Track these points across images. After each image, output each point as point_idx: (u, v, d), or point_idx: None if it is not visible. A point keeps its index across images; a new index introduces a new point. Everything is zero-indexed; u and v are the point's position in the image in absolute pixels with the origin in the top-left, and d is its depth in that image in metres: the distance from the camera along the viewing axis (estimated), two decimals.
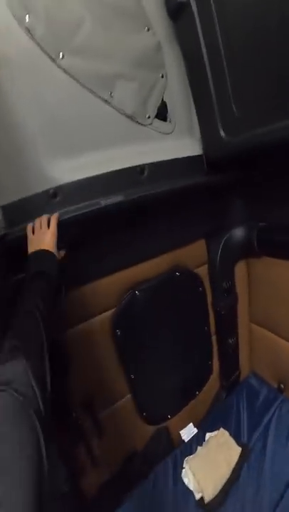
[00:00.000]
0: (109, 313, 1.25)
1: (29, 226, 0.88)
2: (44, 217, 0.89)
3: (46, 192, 0.96)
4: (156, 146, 1.10)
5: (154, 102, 1.09)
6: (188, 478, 1.36)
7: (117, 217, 1.09)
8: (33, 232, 0.88)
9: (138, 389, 1.38)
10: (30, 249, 0.85)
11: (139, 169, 1.08)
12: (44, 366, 0.58)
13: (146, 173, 1.08)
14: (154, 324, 1.36)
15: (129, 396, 1.39)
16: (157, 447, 1.52)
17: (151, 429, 1.51)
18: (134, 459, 1.46)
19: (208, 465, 1.37)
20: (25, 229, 0.90)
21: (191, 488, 1.32)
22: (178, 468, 1.42)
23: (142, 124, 1.07)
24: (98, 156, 1.02)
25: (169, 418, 1.55)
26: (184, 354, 1.52)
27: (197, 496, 1.29)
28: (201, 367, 1.67)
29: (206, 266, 1.52)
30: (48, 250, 0.83)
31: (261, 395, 1.68)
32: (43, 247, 0.83)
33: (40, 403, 0.48)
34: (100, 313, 1.23)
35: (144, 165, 1.07)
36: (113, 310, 1.25)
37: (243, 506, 1.23)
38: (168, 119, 1.11)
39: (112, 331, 1.25)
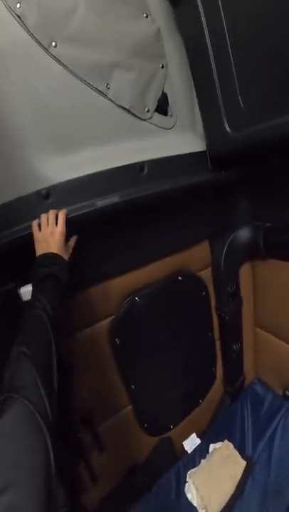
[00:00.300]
0: (107, 321, 1.17)
1: (35, 223, 0.82)
2: (51, 213, 0.82)
3: (38, 193, 0.88)
4: (157, 141, 1.03)
5: (154, 94, 1.01)
6: (191, 493, 1.30)
7: (115, 219, 1.02)
8: (40, 229, 0.81)
9: (139, 399, 1.31)
10: (38, 249, 0.80)
11: (138, 167, 1.00)
12: (52, 372, 0.58)
13: (145, 170, 1.00)
14: (155, 331, 1.29)
15: (129, 407, 1.32)
16: (159, 459, 1.45)
17: (153, 440, 1.45)
18: (136, 472, 1.40)
19: (212, 480, 1.31)
20: (14, 234, 0.82)
21: (195, 504, 1.26)
22: (181, 482, 1.36)
23: (140, 118, 0.99)
24: (94, 153, 0.95)
25: (171, 428, 1.48)
26: (186, 361, 1.45)
27: (197, 510, 1.23)
28: (204, 374, 1.60)
29: (210, 269, 1.44)
30: (56, 254, 0.78)
31: (266, 402, 1.62)
32: (51, 249, 0.78)
33: (49, 412, 0.49)
34: (98, 322, 1.16)
35: (143, 162, 1.00)
36: (112, 318, 1.17)
37: None
38: (169, 113, 1.03)
39: (110, 340, 1.18)
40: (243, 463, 1.35)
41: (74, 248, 0.88)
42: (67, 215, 0.84)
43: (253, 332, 1.70)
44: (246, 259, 1.50)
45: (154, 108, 1.01)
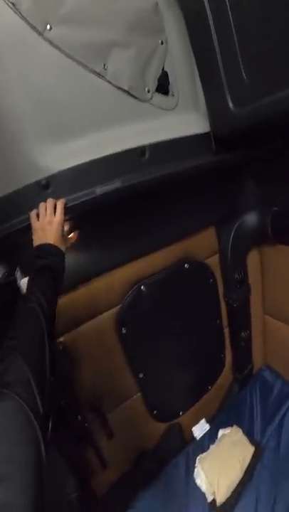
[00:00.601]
0: (114, 310, 1.16)
1: (33, 213, 0.80)
2: (50, 202, 0.80)
3: (38, 183, 0.86)
4: (158, 124, 0.98)
5: (154, 72, 0.96)
6: (200, 478, 1.31)
7: (117, 207, 0.99)
8: (38, 218, 0.79)
9: (147, 387, 1.32)
10: (35, 238, 0.78)
11: (139, 151, 0.96)
12: (44, 364, 0.58)
13: (147, 155, 0.96)
14: (162, 319, 1.27)
15: (138, 395, 1.33)
16: (169, 445, 1.47)
17: (162, 426, 1.46)
18: (145, 458, 1.42)
19: (221, 465, 1.32)
20: (13, 226, 0.80)
21: (203, 489, 1.28)
22: (190, 467, 1.37)
23: (140, 100, 0.94)
24: (93, 139, 0.91)
25: (180, 415, 1.49)
26: (195, 348, 1.45)
27: (209, 498, 1.25)
28: (213, 361, 1.59)
29: (217, 256, 1.41)
30: (53, 245, 0.76)
31: (275, 388, 1.61)
32: (48, 239, 0.76)
33: (40, 407, 0.49)
34: (104, 312, 1.15)
35: (144, 146, 0.95)
36: (118, 307, 1.16)
37: (256, 507, 1.18)
38: (170, 92, 0.98)
39: (117, 329, 1.17)
40: (252, 448, 1.36)
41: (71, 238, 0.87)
42: (65, 204, 0.81)
43: (261, 319, 1.67)
44: (254, 245, 1.46)
45: (155, 88, 0.96)
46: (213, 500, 1.23)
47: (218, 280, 1.43)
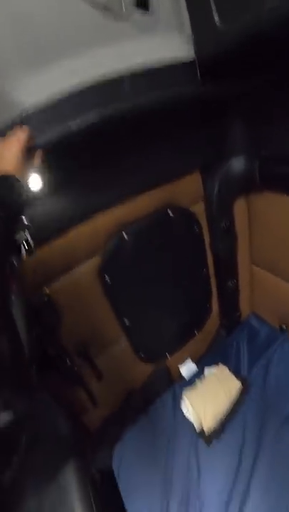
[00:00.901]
0: (97, 258, 1.16)
1: None
2: (15, 130, 0.72)
3: (13, 120, 0.78)
4: (138, 47, 0.88)
5: None
6: (187, 409, 1.40)
7: (96, 147, 0.93)
8: None
9: (134, 332, 1.36)
10: None
11: (117, 80, 0.87)
12: None
13: (125, 83, 0.88)
14: (147, 267, 1.27)
15: (124, 339, 1.38)
16: (156, 384, 1.56)
17: (149, 367, 1.54)
18: (134, 396, 1.51)
19: (208, 397, 1.39)
20: None
21: (191, 419, 1.37)
22: (177, 400, 1.46)
23: (118, 18, 0.84)
24: (68, 66, 0.82)
25: (167, 356, 1.56)
26: (180, 296, 1.47)
27: (196, 426, 1.34)
28: (199, 308, 1.63)
29: (202, 203, 1.37)
30: (6, 175, 0.67)
31: (262, 333, 1.67)
32: (6, 166, 0.67)
33: None
34: (87, 260, 1.14)
35: (123, 73, 0.87)
36: (101, 255, 1.15)
37: (243, 436, 1.26)
38: (150, 9, 0.86)
39: (101, 277, 1.18)
40: (239, 383, 1.43)
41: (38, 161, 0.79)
42: (29, 133, 0.74)
43: (249, 269, 1.69)
44: (241, 193, 1.41)
45: (133, 2, 0.84)
46: (201, 429, 1.32)
47: (203, 228, 1.41)
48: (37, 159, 0.79)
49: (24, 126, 0.74)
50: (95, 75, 0.83)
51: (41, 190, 0.88)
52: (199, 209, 1.37)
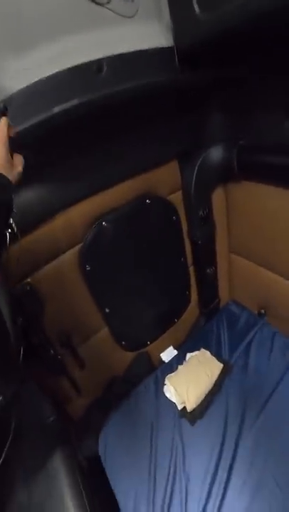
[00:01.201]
0: (76, 248, 1.16)
1: None
2: None
3: None
4: (117, 33, 0.87)
5: None
6: (170, 392, 1.43)
7: (73, 136, 0.92)
8: None
9: (114, 321, 1.38)
10: None
11: (96, 66, 0.86)
12: None
13: (104, 70, 0.87)
14: (126, 256, 1.29)
15: (106, 328, 1.39)
16: (138, 370, 1.59)
17: (131, 355, 1.57)
18: (116, 383, 1.54)
19: (190, 379, 1.42)
20: None
21: (174, 400, 1.39)
22: (159, 384, 1.49)
23: (97, 2, 0.82)
24: (49, 51, 0.80)
25: (148, 344, 1.60)
26: (160, 285, 1.50)
27: (180, 406, 1.36)
28: (178, 296, 1.67)
29: (180, 192, 1.39)
30: None
31: (242, 319, 1.71)
32: None
33: None
34: (67, 250, 1.14)
35: (101, 60, 0.86)
36: (80, 245, 1.16)
37: (226, 415, 1.30)
38: None
39: (81, 267, 1.18)
40: (220, 365, 1.46)
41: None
42: (9, 124, 0.72)
43: (227, 257, 1.73)
44: (219, 181, 1.44)
45: None
46: (184, 408, 1.35)
47: (181, 217, 1.43)
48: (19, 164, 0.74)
49: (3, 118, 0.71)
50: (74, 61, 0.82)
51: (22, 179, 0.87)
52: (177, 198, 1.39)
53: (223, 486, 1.10)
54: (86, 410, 1.48)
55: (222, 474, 1.13)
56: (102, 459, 1.30)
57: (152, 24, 0.94)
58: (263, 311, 1.69)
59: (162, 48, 0.95)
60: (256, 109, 1.16)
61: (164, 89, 1.01)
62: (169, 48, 0.96)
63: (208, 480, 1.13)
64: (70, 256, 1.15)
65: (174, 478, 1.17)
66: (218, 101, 1.22)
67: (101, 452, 1.32)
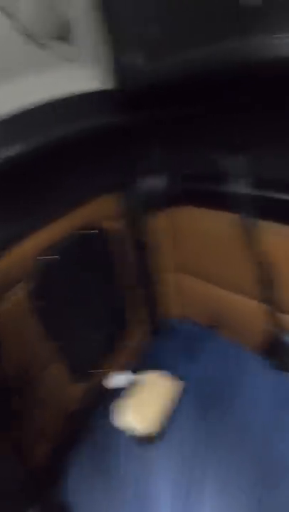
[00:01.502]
0: (20, 287, 1.11)
1: None
2: None
3: None
4: (59, 76, 0.89)
5: (55, 18, 0.85)
6: (123, 419, 1.38)
7: (14, 175, 0.90)
8: None
9: (66, 354, 1.33)
10: None
11: (41, 108, 0.87)
12: None
13: (48, 112, 0.87)
14: (72, 288, 1.28)
15: (59, 361, 1.33)
16: (93, 401, 1.52)
17: (84, 386, 1.50)
18: (73, 419, 1.46)
19: (142, 402, 1.41)
20: None
21: (129, 426, 1.35)
22: (113, 413, 1.42)
23: (41, 46, 0.83)
24: None
25: (101, 372, 1.55)
26: (107, 312, 1.50)
27: (136, 432, 1.32)
28: (125, 320, 1.66)
29: (122, 220, 1.43)
30: None
31: (193, 334, 1.74)
32: None
33: None
34: (11, 290, 1.10)
35: (45, 102, 0.86)
36: (24, 284, 1.12)
37: (188, 432, 1.29)
38: (72, 41, 0.89)
39: (28, 306, 1.14)
40: (174, 382, 1.46)
41: None
42: None
43: (174, 277, 1.76)
44: (163, 208, 1.50)
45: (57, 34, 0.86)
46: (142, 434, 1.31)
47: (125, 244, 1.46)
48: None
49: None
50: (21, 103, 0.80)
51: None
52: (119, 226, 1.42)
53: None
54: (49, 456, 1.35)
55: (195, 488, 1.12)
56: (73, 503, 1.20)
57: (94, 67, 0.99)
58: (215, 324, 1.73)
59: (104, 90, 1.00)
60: (199, 139, 1.24)
61: (104, 129, 1.06)
62: (111, 89, 1.01)
63: (182, 495, 1.11)
64: (15, 297, 1.11)
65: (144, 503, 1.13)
66: (162, 131, 1.28)
67: (70, 497, 1.22)
